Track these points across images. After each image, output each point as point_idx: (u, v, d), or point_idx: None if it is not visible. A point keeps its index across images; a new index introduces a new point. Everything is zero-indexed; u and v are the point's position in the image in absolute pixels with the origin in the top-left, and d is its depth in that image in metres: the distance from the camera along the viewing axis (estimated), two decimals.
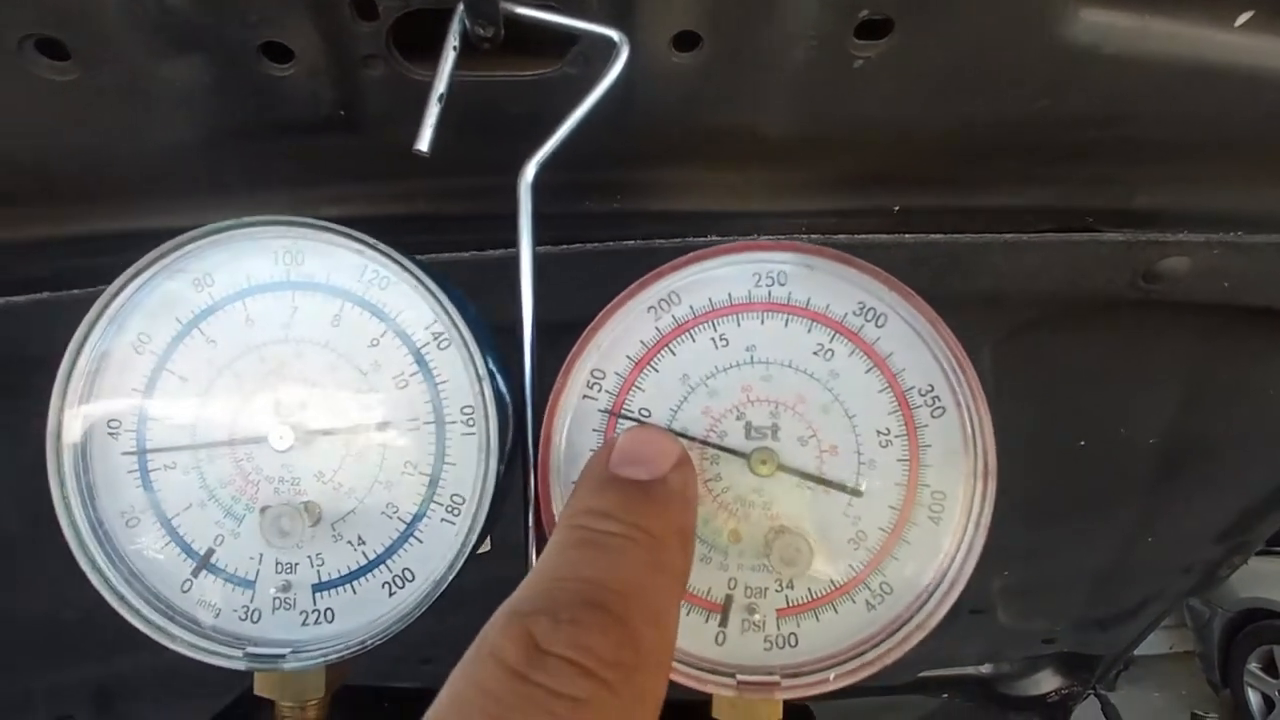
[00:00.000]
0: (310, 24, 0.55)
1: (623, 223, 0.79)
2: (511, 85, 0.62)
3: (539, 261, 0.55)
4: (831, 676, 0.51)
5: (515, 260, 0.55)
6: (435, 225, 0.79)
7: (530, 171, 0.56)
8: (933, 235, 0.85)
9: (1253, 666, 4.52)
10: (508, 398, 0.54)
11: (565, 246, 0.76)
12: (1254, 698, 4.55)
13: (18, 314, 0.76)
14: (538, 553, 0.52)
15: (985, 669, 2.22)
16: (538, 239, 0.56)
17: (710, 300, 0.52)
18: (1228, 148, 0.78)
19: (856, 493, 0.52)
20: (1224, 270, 0.88)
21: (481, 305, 0.57)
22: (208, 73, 0.60)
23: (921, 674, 2.18)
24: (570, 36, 0.58)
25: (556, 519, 0.51)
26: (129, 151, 0.68)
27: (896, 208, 0.84)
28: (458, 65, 0.54)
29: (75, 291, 0.73)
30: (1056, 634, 2.04)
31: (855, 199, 0.84)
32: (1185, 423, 1.23)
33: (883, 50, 0.61)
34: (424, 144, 0.56)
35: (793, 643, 0.53)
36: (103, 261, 0.58)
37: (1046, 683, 2.23)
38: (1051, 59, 0.64)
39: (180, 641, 0.51)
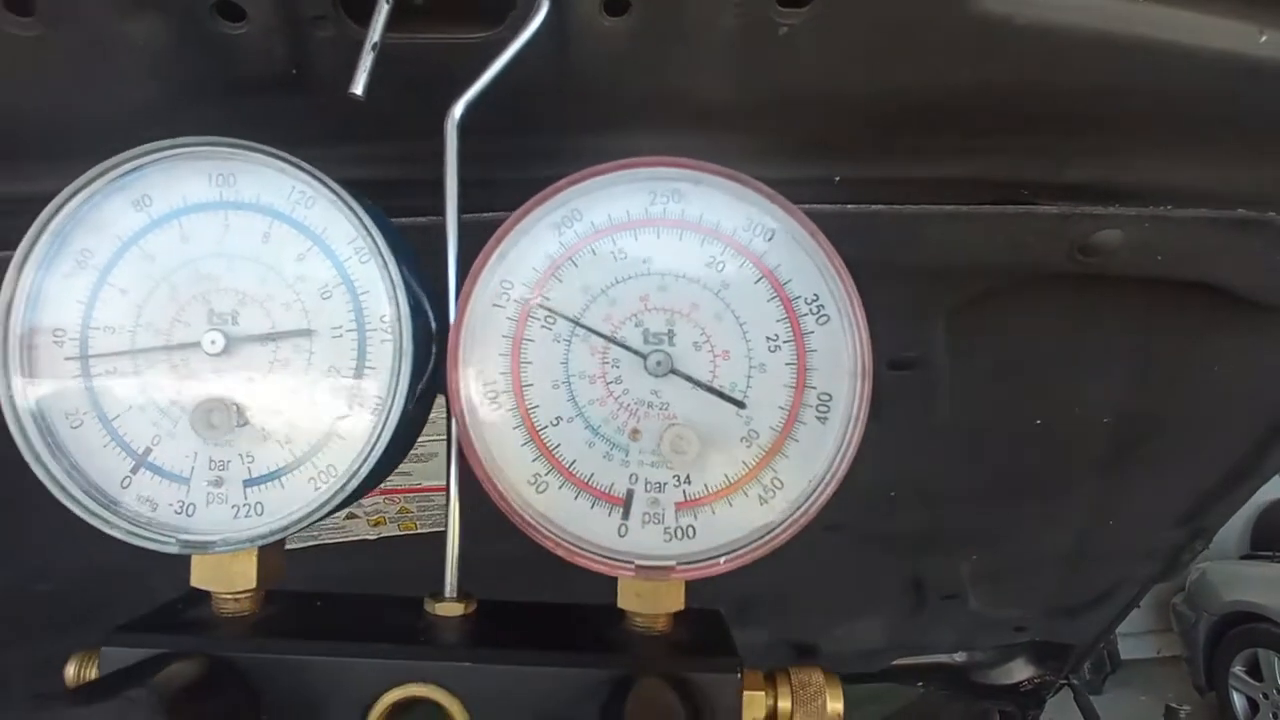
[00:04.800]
0: None
1: None
2: (454, 49, 0.65)
3: (472, 227, 0.58)
4: (722, 560, 0.55)
5: (443, 199, 0.59)
6: (386, 190, 0.83)
7: (458, 110, 0.60)
8: (874, 205, 0.88)
9: (1237, 670, 4.54)
10: (429, 310, 0.58)
11: (499, 213, 0.80)
12: (1238, 700, 4.56)
13: None
14: (460, 444, 0.56)
15: (959, 658, 2.24)
16: (482, 206, 0.59)
17: (610, 216, 0.56)
18: (1150, 121, 0.80)
19: (740, 404, 0.56)
20: (1155, 244, 0.91)
21: (435, 270, 0.61)
22: (165, 31, 0.64)
23: (896, 662, 2.21)
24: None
25: (465, 409, 0.55)
26: (90, 110, 0.71)
27: (837, 178, 0.87)
28: (400, 27, 0.58)
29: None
30: (1028, 622, 2.06)
31: (795, 168, 0.86)
32: (1136, 402, 1.26)
33: (805, 17, 0.64)
34: (358, 88, 0.61)
35: (690, 534, 0.56)
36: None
37: (1019, 671, 2.25)
38: (966, 30, 0.67)
39: (119, 529, 0.55)
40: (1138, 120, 0.80)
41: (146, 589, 1.24)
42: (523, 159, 0.80)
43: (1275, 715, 4.35)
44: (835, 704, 0.59)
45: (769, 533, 0.55)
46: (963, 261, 0.95)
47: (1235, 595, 4.55)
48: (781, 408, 0.56)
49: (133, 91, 0.69)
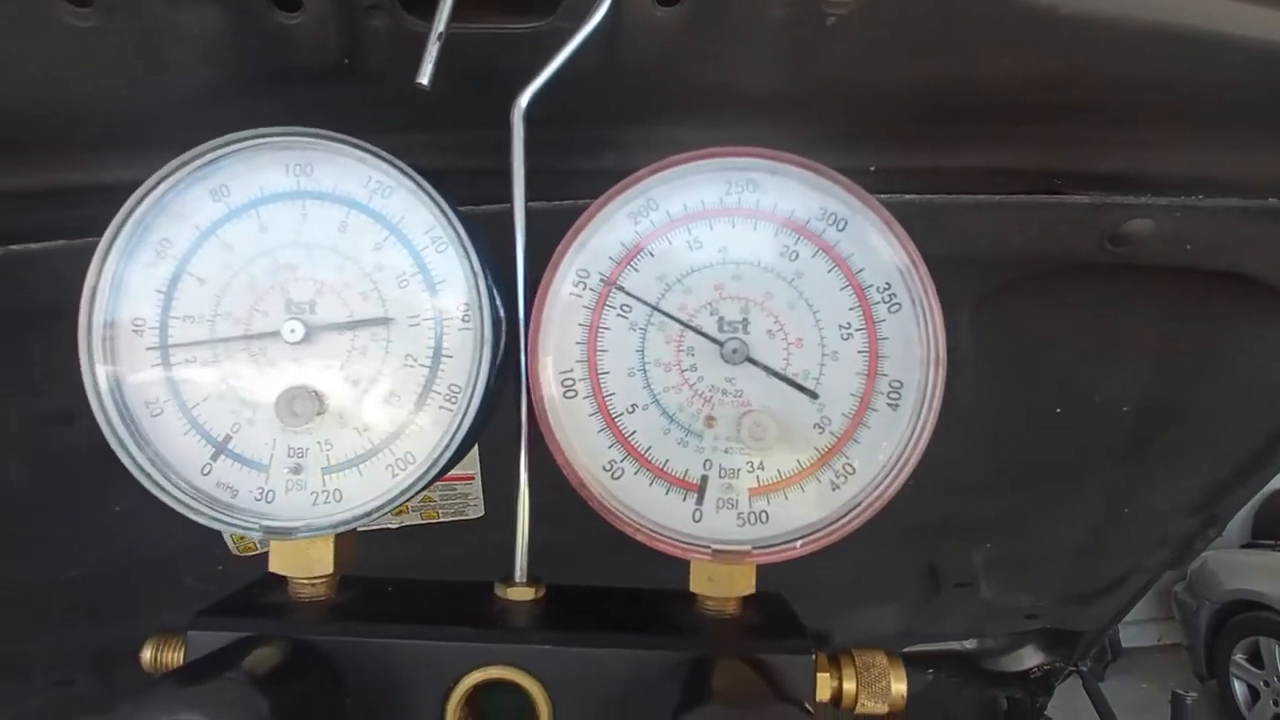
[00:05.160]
0: None
1: (611, 180, 0.84)
2: (506, 39, 0.66)
3: (532, 215, 0.59)
4: (799, 544, 0.56)
5: (510, 194, 0.60)
6: (434, 180, 0.84)
7: (524, 100, 0.60)
8: (908, 195, 0.89)
9: (1238, 657, 4.58)
10: (500, 301, 0.59)
11: (555, 203, 0.80)
12: (1239, 688, 4.60)
13: (31, 261, 0.79)
14: (529, 430, 0.57)
15: (970, 644, 2.26)
16: (539, 195, 0.60)
17: (685, 206, 0.57)
18: (1187, 111, 0.81)
19: (813, 394, 0.57)
20: (1186, 234, 0.92)
21: (493, 262, 0.60)
22: (220, 20, 0.64)
23: (907, 649, 2.22)
24: None
25: (545, 398, 0.56)
26: (143, 101, 0.71)
27: (873, 168, 0.87)
28: (454, 17, 0.59)
29: (91, 240, 0.77)
30: (1039, 609, 2.07)
31: (833, 158, 0.87)
32: (1156, 391, 1.26)
33: (853, 8, 0.65)
34: (424, 78, 0.61)
35: (764, 519, 0.57)
36: (112, 212, 0.60)
37: (1030, 658, 2.27)
38: (1011, 20, 0.67)
39: (203, 515, 0.55)
40: (1173, 110, 0.81)
41: (170, 580, 1.25)
42: (572, 150, 0.81)
43: (1276, 703, 4.39)
44: (899, 685, 0.60)
45: (842, 517, 0.56)
46: (993, 250, 0.96)
47: (1237, 584, 4.59)
48: (853, 395, 0.57)
49: (187, 81, 0.69)
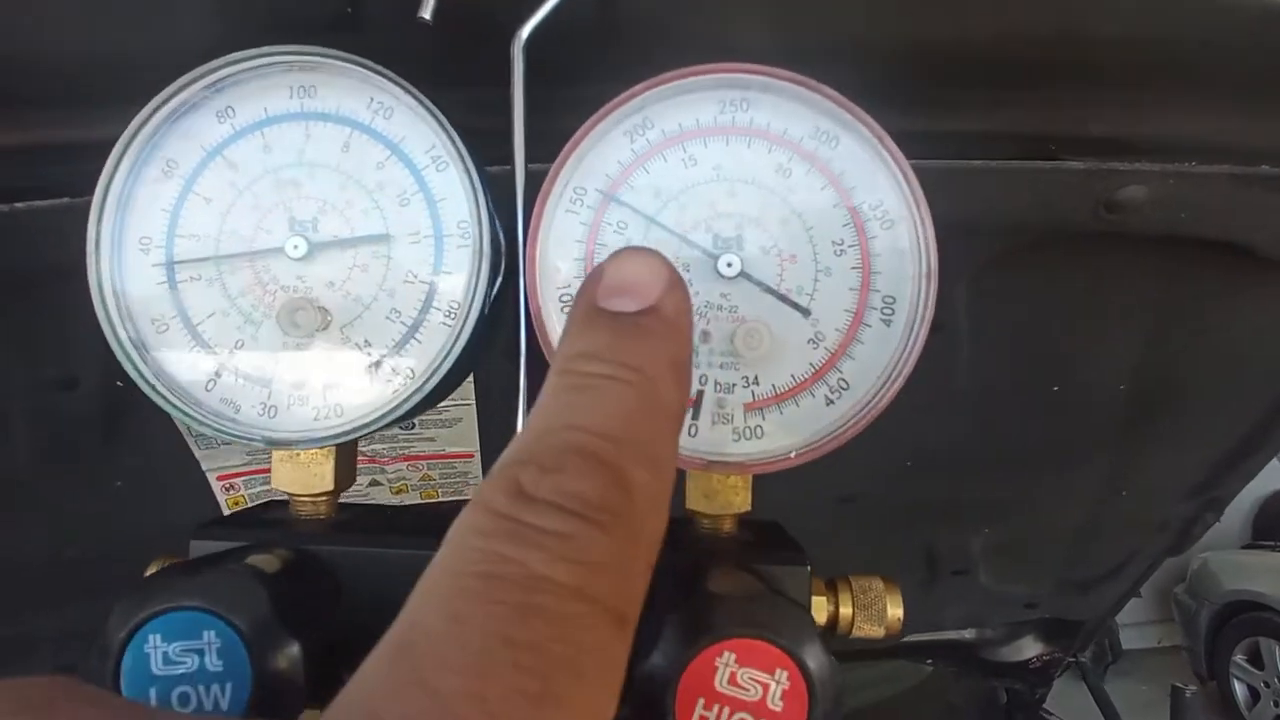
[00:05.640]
0: None
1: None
2: None
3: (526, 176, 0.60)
4: (793, 454, 0.57)
5: (509, 122, 0.61)
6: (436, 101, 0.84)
7: (524, 34, 0.62)
8: None
9: (1238, 658, 4.57)
10: (499, 225, 0.60)
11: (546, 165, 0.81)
12: (1239, 689, 4.59)
13: (34, 220, 0.79)
14: (528, 346, 0.58)
15: (968, 634, 2.26)
16: (528, 157, 0.61)
17: (680, 125, 0.58)
18: (1181, 73, 0.81)
19: (805, 311, 0.58)
20: (1181, 201, 0.92)
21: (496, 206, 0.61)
22: None
23: (905, 639, 2.22)
24: None
25: (542, 313, 0.57)
26: (146, 53, 0.72)
27: None
28: None
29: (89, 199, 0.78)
30: (1038, 598, 2.07)
31: None
32: (1153, 366, 1.26)
33: None
34: (427, 12, 0.62)
35: (759, 434, 0.58)
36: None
37: (1029, 649, 2.27)
38: None
39: (208, 426, 0.56)
40: (1167, 72, 0.81)
41: (179, 557, 1.25)
42: (565, 108, 0.82)
43: (1276, 703, 4.38)
44: (895, 609, 0.60)
45: (837, 429, 0.57)
46: (988, 218, 0.96)
47: (1236, 585, 4.59)
48: (847, 310, 0.58)
49: (191, 31, 0.70)
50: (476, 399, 1.24)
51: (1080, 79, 0.82)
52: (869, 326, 0.58)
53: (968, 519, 1.74)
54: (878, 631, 0.61)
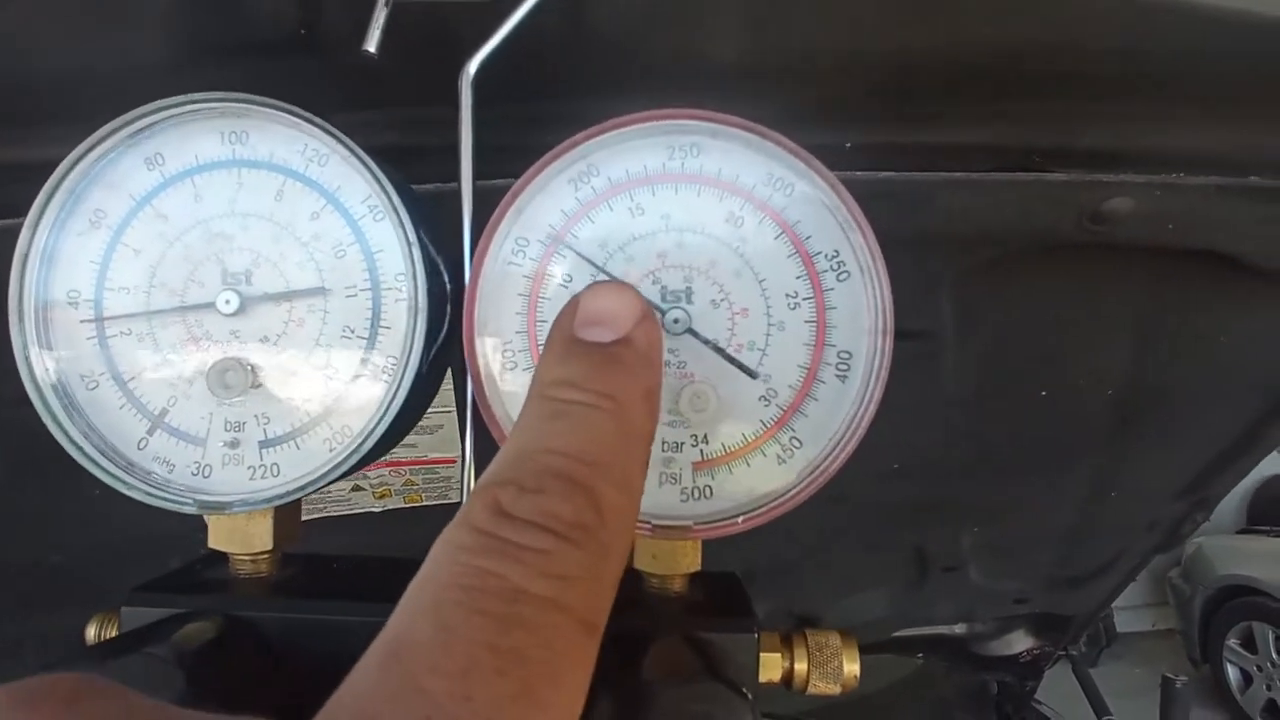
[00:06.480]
0: None
1: None
2: (464, 8, 0.64)
3: (482, 194, 0.58)
4: (740, 519, 0.55)
5: (457, 160, 0.58)
6: (397, 157, 0.82)
7: (472, 67, 0.59)
8: (883, 173, 0.87)
9: (1232, 642, 4.59)
10: (444, 272, 0.58)
11: (506, 180, 0.79)
12: (1233, 673, 4.62)
13: None
14: (472, 402, 0.56)
15: (959, 629, 2.26)
16: (492, 173, 0.59)
17: (627, 172, 0.56)
18: (1169, 85, 0.80)
19: (752, 374, 0.55)
20: (1166, 212, 0.90)
21: (444, 237, 0.60)
22: None
23: (896, 634, 2.22)
24: None
25: (482, 370, 0.55)
26: (92, 72, 0.70)
27: (848, 144, 0.86)
28: None
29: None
30: (1028, 594, 2.07)
31: (808, 134, 0.86)
32: (1140, 374, 1.25)
33: None
34: (371, 45, 0.60)
35: (707, 494, 0.56)
36: None
37: (1019, 643, 2.27)
38: None
39: (137, 490, 0.54)
40: (1154, 84, 0.79)
41: (155, 564, 1.24)
42: (531, 124, 0.79)
43: (1268, 687, 4.41)
44: (852, 666, 0.59)
45: (788, 492, 0.55)
46: (972, 230, 0.94)
47: (1231, 569, 4.60)
48: (801, 366, 0.56)
49: (141, 50, 0.68)
50: (458, 408, 1.23)
51: (1067, 91, 0.80)
52: (823, 383, 0.56)
53: (957, 519, 1.73)
54: (833, 689, 0.59)
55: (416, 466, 1.37)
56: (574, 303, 0.41)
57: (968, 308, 1.10)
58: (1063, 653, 2.30)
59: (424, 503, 1.41)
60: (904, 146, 0.86)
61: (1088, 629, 2.37)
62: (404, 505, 1.41)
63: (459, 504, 1.00)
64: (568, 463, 0.34)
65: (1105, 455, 1.50)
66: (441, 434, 1.31)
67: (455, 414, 1.27)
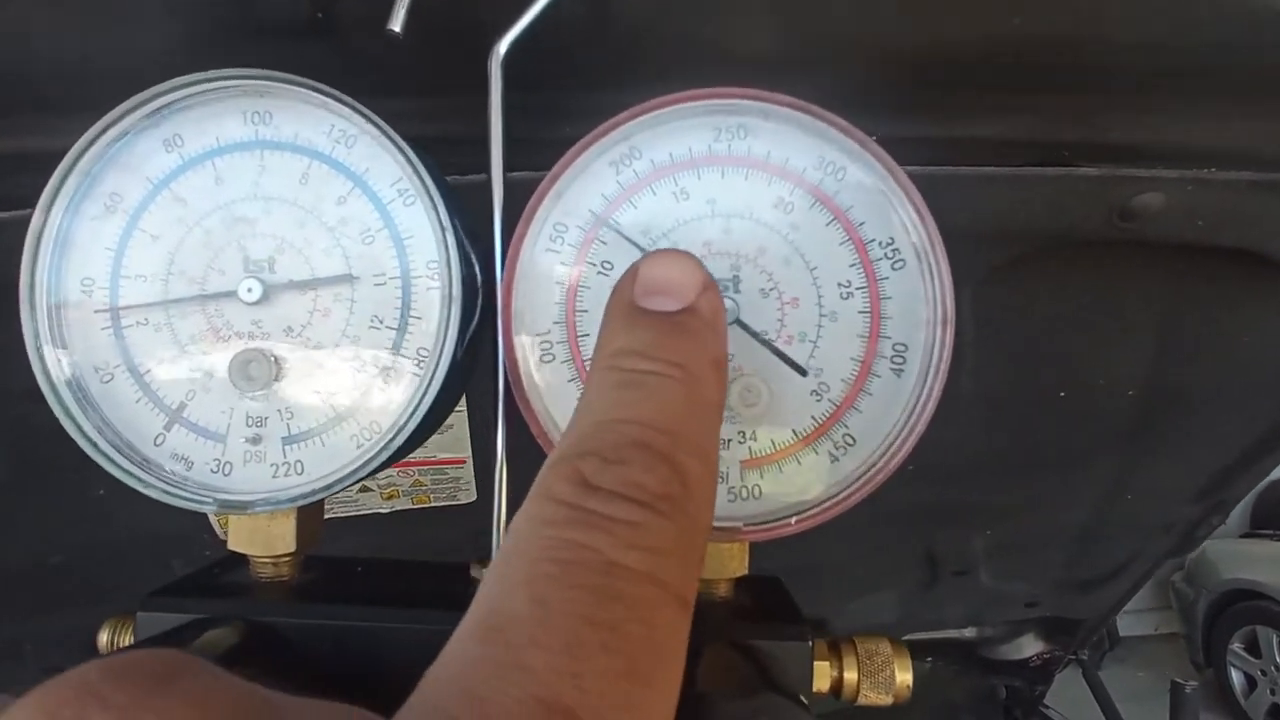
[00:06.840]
0: None
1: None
2: None
3: (508, 185, 0.55)
4: (794, 520, 0.52)
5: (486, 143, 0.56)
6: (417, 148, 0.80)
7: (502, 47, 0.56)
8: (911, 167, 0.85)
9: (1235, 646, 4.58)
10: (474, 258, 0.55)
11: (535, 173, 0.77)
12: (1236, 677, 4.61)
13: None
14: (506, 388, 0.53)
15: (968, 633, 2.24)
16: (515, 165, 0.56)
17: (670, 155, 0.53)
18: (1201, 78, 0.78)
19: (803, 371, 0.53)
20: (1197, 208, 0.88)
21: (469, 227, 0.57)
22: None
23: (905, 638, 2.19)
24: None
25: (519, 364, 0.52)
26: (105, 58, 0.68)
27: (874, 137, 0.84)
28: None
29: None
30: (1039, 597, 2.05)
31: None
32: (1162, 374, 1.24)
33: None
34: (397, 24, 0.57)
35: (756, 494, 0.53)
36: None
37: (1029, 647, 2.25)
38: None
39: (155, 489, 0.52)
40: (1186, 77, 0.77)
41: (158, 565, 1.22)
42: (555, 115, 0.77)
43: (1272, 691, 4.40)
44: (904, 675, 0.56)
45: (841, 492, 0.52)
46: (999, 225, 0.92)
47: (1235, 573, 4.59)
48: (854, 359, 0.53)
49: (154, 36, 0.66)
50: (469, 407, 1.21)
51: (1097, 84, 0.78)
52: (878, 377, 0.53)
53: (970, 521, 1.71)
54: (885, 699, 0.57)
55: (426, 467, 1.35)
56: (633, 271, 0.39)
57: (989, 306, 1.08)
58: (1072, 657, 2.28)
59: (432, 504, 1.38)
60: (931, 140, 0.84)
61: (1098, 633, 2.35)
62: (412, 506, 1.38)
63: (469, 505, 0.98)
64: (647, 432, 0.33)
65: (1123, 456, 1.48)
66: (451, 434, 1.28)
67: (466, 414, 1.24)
